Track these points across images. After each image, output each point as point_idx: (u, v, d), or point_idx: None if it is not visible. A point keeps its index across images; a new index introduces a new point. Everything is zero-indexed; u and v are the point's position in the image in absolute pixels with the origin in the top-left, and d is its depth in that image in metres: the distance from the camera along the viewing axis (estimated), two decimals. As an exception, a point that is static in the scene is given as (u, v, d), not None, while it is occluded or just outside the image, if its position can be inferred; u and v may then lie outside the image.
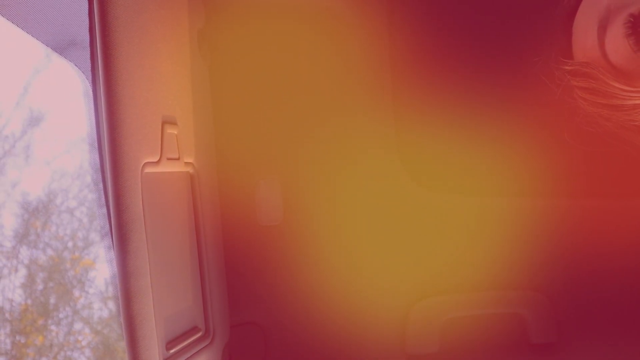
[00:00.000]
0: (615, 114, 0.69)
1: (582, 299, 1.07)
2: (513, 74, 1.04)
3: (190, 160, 0.87)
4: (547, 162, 1.06)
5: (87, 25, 0.83)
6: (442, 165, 1.05)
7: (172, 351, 0.79)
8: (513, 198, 1.05)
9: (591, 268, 1.07)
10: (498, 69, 1.04)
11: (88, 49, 0.85)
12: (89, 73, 0.87)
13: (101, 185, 0.85)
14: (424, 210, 1.04)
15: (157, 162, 0.78)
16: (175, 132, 0.82)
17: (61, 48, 0.97)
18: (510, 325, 1.07)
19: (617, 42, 0.67)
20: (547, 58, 0.74)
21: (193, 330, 0.87)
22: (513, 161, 1.05)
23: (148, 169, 0.75)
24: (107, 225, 0.85)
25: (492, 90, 1.04)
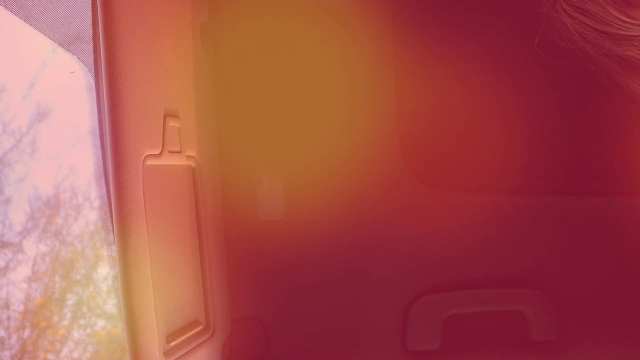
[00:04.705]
0: (602, 41, 0.68)
1: (584, 297, 1.07)
2: (523, 67, 1.04)
3: (192, 153, 0.87)
4: (550, 159, 1.05)
5: (91, 18, 0.83)
6: (444, 162, 1.05)
7: (172, 344, 0.79)
8: (515, 195, 1.05)
9: (593, 266, 1.06)
10: (506, 63, 1.04)
11: (91, 42, 0.85)
12: (92, 66, 0.87)
13: (102, 178, 0.85)
14: (425, 206, 1.04)
15: (159, 155, 0.78)
16: (177, 125, 0.82)
17: (67, 43, 0.98)
18: (511, 323, 1.06)
19: None
20: None
21: (193, 323, 0.87)
22: (514, 158, 1.05)
23: (149, 162, 0.76)
24: (109, 218, 0.85)
25: (497, 89, 1.04)
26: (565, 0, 0.69)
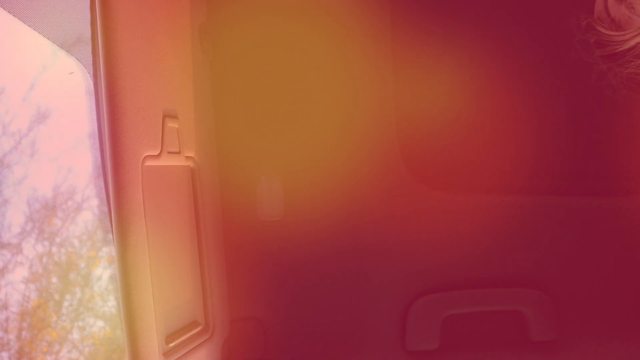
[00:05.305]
0: (613, 67, 0.72)
1: (583, 297, 1.07)
2: (526, 63, 1.04)
3: (191, 154, 0.87)
4: (549, 160, 1.05)
5: (89, 19, 0.83)
6: (442, 163, 1.05)
7: (171, 345, 0.79)
8: (514, 195, 1.05)
9: (593, 266, 1.06)
10: (508, 62, 1.04)
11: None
12: (92, 68, 0.87)
13: (102, 179, 0.85)
14: (425, 206, 1.04)
15: (158, 156, 0.78)
16: (176, 126, 0.82)
17: (68, 45, 0.98)
18: (510, 323, 1.06)
19: None
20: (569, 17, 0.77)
21: (193, 324, 0.87)
22: (512, 159, 1.05)
23: (149, 162, 0.76)
24: (108, 219, 0.85)
25: (497, 89, 1.04)
26: (590, 38, 0.73)
